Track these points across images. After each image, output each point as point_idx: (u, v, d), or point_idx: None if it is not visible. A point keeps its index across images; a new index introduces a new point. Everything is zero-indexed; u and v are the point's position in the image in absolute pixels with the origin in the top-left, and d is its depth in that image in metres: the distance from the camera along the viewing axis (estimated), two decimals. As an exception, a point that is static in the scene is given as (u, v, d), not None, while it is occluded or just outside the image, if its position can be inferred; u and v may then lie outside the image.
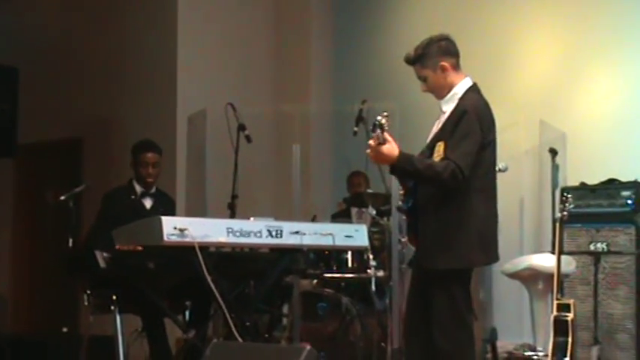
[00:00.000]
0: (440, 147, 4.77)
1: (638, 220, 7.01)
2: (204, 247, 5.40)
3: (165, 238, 5.18)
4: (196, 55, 8.74)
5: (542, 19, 8.26)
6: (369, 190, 7.42)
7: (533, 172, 8.00)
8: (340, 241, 5.96)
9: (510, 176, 6.58)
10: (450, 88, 4.90)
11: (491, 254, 4.87)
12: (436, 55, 4.90)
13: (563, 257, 6.47)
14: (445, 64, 4.89)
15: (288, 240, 5.71)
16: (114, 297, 5.76)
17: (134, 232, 5.49)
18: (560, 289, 6.33)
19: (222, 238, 5.46)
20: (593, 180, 7.35)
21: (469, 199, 4.74)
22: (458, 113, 4.78)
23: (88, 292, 5.96)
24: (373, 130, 4.68)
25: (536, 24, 8.29)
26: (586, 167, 7.61)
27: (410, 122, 7.26)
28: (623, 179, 7.21)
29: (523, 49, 8.37)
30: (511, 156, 7.08)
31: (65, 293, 8.81)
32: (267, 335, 6.79)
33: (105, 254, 5.38)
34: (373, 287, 6.66)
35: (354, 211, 7.77)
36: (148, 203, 6.75)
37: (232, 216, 7.25)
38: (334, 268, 6.95)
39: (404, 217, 5.43)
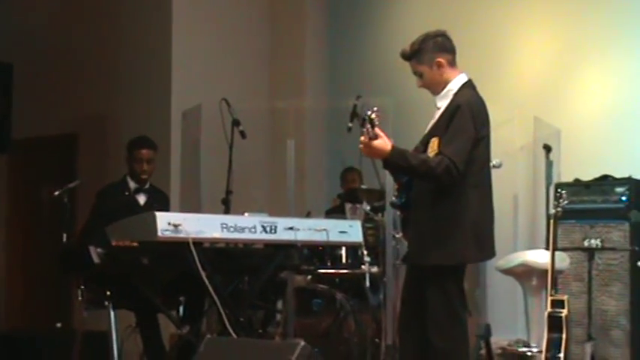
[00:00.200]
0: (434, 143, 4.78)
1: (632, 216, 7.02)
2: (199, 243, 5.39)
3: (159, 233, 5.17)
4: (191, 50, 8.73)
5: (537, 16, 8.26)
6: (363, 186, 7.43)
7: (528, 169, 8.00)
8: (334, 237, 5.96)
9: (504, 172, 6.57)
10: (446, 84, 4.91)
11: (486, 250, 4.87)
12: (432, 51, 4.90)
13: (557, 253, 6.47)
14: (441, 60, 4.89)
15: (282, 236, 5.71)
16: (108, 293, 5.75)
17: (128, 227, 5.48)
18: (554, 286, 6.33)
19: (217, 233, 5.46)
20: (587, 176, 7.36)
21: (464, 195, 4.74)
22: (452, 109, 4.79)
23: (82, 287, 5.94)
24: (363, 125, 4.69)
25: (531, 21, 8.29)
26: (580, 163, 7.61)
27: (405, 118, 7.27)
28: (617, 175, 7.22)
29: (518, 46, 8.37)
30: (505, 152, 7.08)
31: (59, 289, 8.80)
32: (261, 331, 6.78)
33: (99, 250, 5.36)
34: (367, 283, 6.67)
35: (348, 206, 7.77)
36: (141, 199, 6.75)
37: (226, 212, 7.24)
38: (328, 263, 6.96)
39: (398, 213, 5.43)
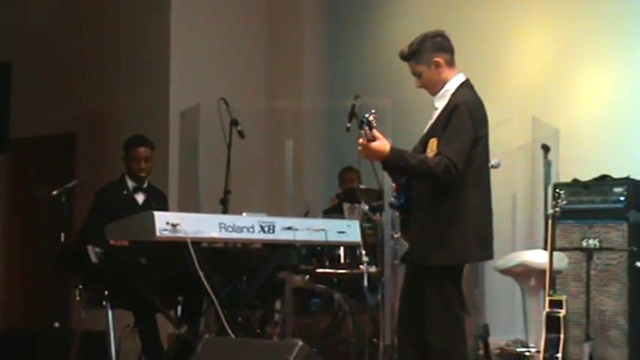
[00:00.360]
0: (433, 143, 4.78)
1: (630, 216, 7.01)
2: (197, 243, 5.40)
3: (157, 233, 5.18)
4: (189, 50, 8.72)
5: (535, 16, 8.26)
6: (362, 186, 7.43)
7: (526, 169, 8.00)
8: (333, 237, 5.97)
9: (503, 172, 6.56)
10: (444, 84, 4.91)
11: (487, 249, 4.88)
12: (430, 51, 4.90)
13: (556, 253, 6.47)
14: (439, 60, 4.89)
15: (280, 235, 5.71)
16: (106, 292, 5.75)
17: (127, 227, 5.48)
18: (553, 286, 6.33)
19: (215, 233, 5.46)
20: (585, 176, 7.35)
21: (464, 195, 4.74)
22: (450, 109, 4.79)
23: (80, 287, 5.94)
24: (361, 128, 4.69)
25: (530, 21, 8.29)
26: (578, 164, 7.61)
27: (403, 118, 7.28)
28: (616, 175, 7.22)
29: (516, 46, 8.37)
30: (504, 152, 7.06)
31: (57, 288, 8.78)
32: (259, 331, 6.78)
33: (97, 249, 5.36)
34: (365, 283, 6.66)
35: (346, 206, 7.77)
36: (140, 198, 6.75)
37: (225, 211, 7.24)
38: (327, 263, 6.95)
39: (397, 214, 5.43)
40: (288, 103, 9.09)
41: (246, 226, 5.58)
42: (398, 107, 7.40)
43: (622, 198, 7.07)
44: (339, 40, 9.56)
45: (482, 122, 4.86)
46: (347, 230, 6.07)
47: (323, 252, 6.95)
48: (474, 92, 4.92)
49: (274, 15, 9.60)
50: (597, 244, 7.04)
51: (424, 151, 4.82)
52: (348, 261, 6.96)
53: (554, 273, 6.39)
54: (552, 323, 6.17)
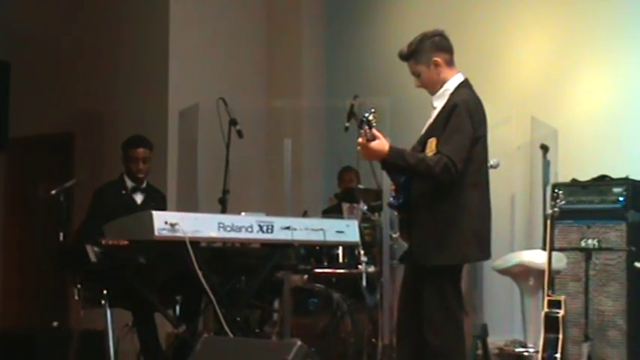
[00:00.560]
0: (432, 143, 4.78)
1: (629, 216, 7.01)
2: (195, 242, 5.40)
3: (156, 232, 5.18)
4: (188, 49, 8.72)
5: (534, 16, 8.26)
6: (360, 186, 7.42)
7: (525, 169, 8.00)
8: (331, 237, 5.97)
9: (502, 172, 6.57)
10: (443, 83, 4.90)
11: (485, 250, 4.87)
12: (430, 50, 4.90)
13: (554, 253, 6.46)
14: (438, 59, 4.89)
15: (279, 235, 5.71)
16: (104, 291, 5.74)
17: (125, 226, 5.48)
18: (551, 286, 6.33)
19: (213, 233, 5.46)
20: (584, 176, 7.35)
21: (463, 195, 4.74)
22: (448, 108, 4.79)
23: (79, 286, 5.93)
24: (360, 127, 4.68)
25: (528, 21, 8.29)
26: (577, 164, 7.61)
27: (402, 118, 7.27)
28: (615, 176, 7.21)
29: (515, 46, 8.37)
30: (503, 152, 7.07)
31: (55, 287, 8.80)
32: (257, 330, 6.78)
33: (96, 249, 5.36)
34: (364, 283, 6.66)
35: (345, 206, 7.77)
36: (138, 198, 6.74)
37: (223, 211, 7.24)
38: (325, 263, 6.96)
39: (395, 213, 5.43)
40: (286, 103, 9.09)
41: (244, 226, 5.58)
42: (397, 107, 7.39)
43: (621, 198, 7.07)
44: (337, 39, 9.56)
45: (481, 122, 4.86)
46: (345, 230, 6.07)
47: (321, 252, 6.95)
48: (473, 92, 4.92)
49: (273, 15, 9.59)
50: (596, 244, 7.04)
51: (423, 150, 4.82)
52: (346, 261, 6.96)
53: (552, 273, 6.39)
54: (551, 323, 6.17)
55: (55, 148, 9.48)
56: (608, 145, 7.63)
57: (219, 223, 5.49)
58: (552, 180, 7.44)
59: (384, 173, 5.38)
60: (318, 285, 6.90)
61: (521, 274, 6.98)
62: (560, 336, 6.12)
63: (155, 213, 5.24)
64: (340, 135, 7.26)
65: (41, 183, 8.83)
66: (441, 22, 5.15)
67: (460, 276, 4.88)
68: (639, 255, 6.84)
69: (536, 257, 6.78)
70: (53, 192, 6.35)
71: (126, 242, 5.42)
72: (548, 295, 6.25)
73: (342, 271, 6.95)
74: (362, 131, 4.67)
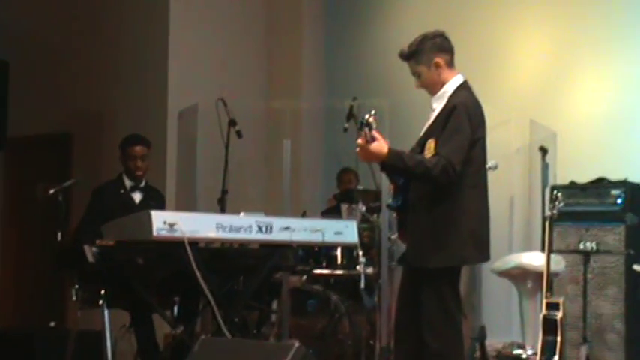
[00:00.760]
0: (431, 144, 4.78)
1: (627, 219, 7.02)
2: (194, 243, 5.39)
3: (154, 232, 5.17)
4: (187, 50, 8.72)
5: (533, 19, 8.27)
6: (360, 187, 7.43)
7: (524, 171, 8.00)
8: (330, 238, 5.97)
9: (500, 175, 6.57)
10: (443, 84, 4.90)
11: (484, 251, 4.87)
12: (430, 51, 4.90)
13: (553, 256, 6.47)
14: (439, 60, 4.89)
15: (277, 236, 5.71)
16: (102, 292, 5.74)
17: (123, 226, 5.48)
18: (550, 288, 6.33)
19: (212, 233, 5.46)
20: (582, 179, 7.36)
21: (462, 197, 4.74)
22: (447, 110, 4.79)
23: (77, 286, 5.93)
24: (360, 129, 4.69)
25: (527, 24, 8.30)
26: (576, 166, 7.61)
27: (401, 119, 7.27)
28: (613, 178, 7.22)
29: (514, 48, 8.38)
30: (501, 155, 7.07)
31: (53, 287, 8.79)
32: (255, 331, 6.78)
33: (94, 249, 5.35)
34: (362, 284, 6.65)
35: (344, 207, 7.77)
36: (137, 198, 6.74)
37: (222, 211, 7.23)
38: (323, 264, 6.95)
39: (394, 215, 5.43)
40: (286, 104, 9.08)
41: (243, 227, 5.58)
42: (396, 108, 7.40)
43: (619, 201, 7.08)
44: (337, 40, 9.56)
45: (479, 124, 4.85)
46: (344, 231, 6.07)
47: (320, 253, 6.95)
48: (472, 94, 4.92)
49: (273, 15, 9.59)
50: (594, 246, 7.04)
51: (422, 152, 4.82)
52: (345, 262, 6.96)
53: (551, 275, 6.39)
54: (549, 326, 6.17)
55: (54, 148, 9.47)
56: (607, 148, 7.63)
57: (217, 224, 5.49)
58: (551, 182, 7.44)
59: (383, 175, 5.38)
60: (316, 286, 6.90)
61: (520, 276, 6.98)
62: (559, 338, 6.12)
63: (154, 213, 5.24)
64: (339, 136, 7.26)
65: (40, 183, 8.79)
66: (440, 24, 5.14)
67: (459, 278, 4.88)
68: (637, 258, 6.85)
69: (535, 259, 6.78)
70: (52, 192, 6.35)
71: (112, 242, 5.41)
72: (546, 298, 6.25)
73: (340, 272, 6.95)
74: (362, 133, 4.67)
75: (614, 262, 7.00)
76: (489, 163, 5.22)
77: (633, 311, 6.94)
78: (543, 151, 7.45)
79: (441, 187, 4.70)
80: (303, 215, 7.49)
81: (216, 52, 8.97)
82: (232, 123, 7.28)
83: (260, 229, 5.63)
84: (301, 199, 8.51)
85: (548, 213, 6.40)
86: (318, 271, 6.93)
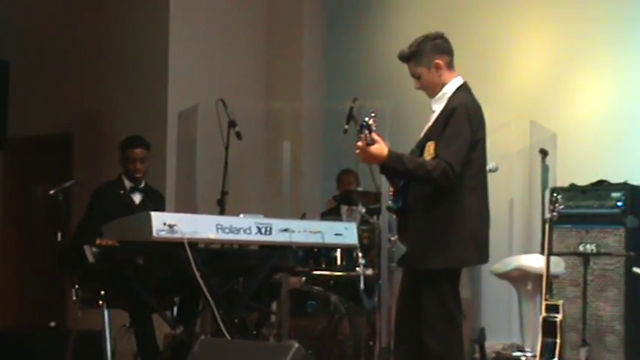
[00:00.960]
0: (430, 147, 4.77)
1: (627, 221, 7.02)
2: (194, 243, 5.39)
3: (154, 233, 5.17)
4: (188, 51, 8.72)
5: (533, 21, 8.27)
6: (359, 189, 7.42)
7: (524, 173, 8.00)
8: (330, 239, 5.97)
9: (500, 176, 6.57)
10: (442, 86, 4.90)
11: (484, 253, 4.87)
12: (431, 52, 4.90)
13: (553, 258, 6.47)
14: (439, 62, 4.89)
15: (277, 237, 5.71)
16: (102, 292, 5.74)
17: (123, 227, 5.48)
18: (549, 290, 6.33)
19: (212, 234, 5.46)
20: (583, 181, 7.36)
21: (462, 198, 4.74)
22: (447, 112, 4.79)
23: (77, 286, 5.94)
24: (360, 131, 4.68)
25: (528, 26, 8.30)
26: (576, 168, 7.62)
27: (401, 121, 7.27)
28: (613, 180, 7.22)
29: (515, 50, 8.37)
30: (502, 156, 7.08)
31: (53, 288, 8.79)
32: (255, 332, 6.77)
33: (94, 249, 5.35)
34: (362, 285, 6.65)
35: (344, 209, 7.77)
36: (137, 198, 6.74)
37: (222, 212, 7.22)
38: (323, 265, 6.95)
39: (394, 217, 5.43)
40: (286, 105, 9.08)
41: (243, 228, 5.58)
42: (396, 110, 7.39)
43: (619, 203, 7.08)
44: (337, 42, 9.56)
45: (479, 125, 4.85)
46: (344, 232, 6.07)
47: (320, 254, 6.94)
48: (472, 95, 4.92)
49: (273, 16, 9.59)
50: (594, 249, 7.05)
51: (421, 154, 4.82)
52: (344, 263, 6.96)
53: (550, 277, 6.40)
54: (549, 328, 6.17)
55: (54, 148, 9.47)
56: (607, 150, 7.63)
57: (217, 225, 5.49)
58: (551, 184, 7.43)
59: (383, 176, 5.38)
60: (316, 287, 6.89)
61: (520, 278, 6.98)
62: (558, 340, 6.13)
63: (154, 214, 5.24)
64: (339, 137, 7.25)
65: (40, 183, 8.84)
66: (441, 26, 5.13)
67: (459, 279, 4.88)
68: (637, 260, 6.85)
69: (535, 261, 6.78)
70: (52, 192, 6.35)
71: (116, 243, 5.42)
72: (546, 300, 6.25)
73: (340, 273, 6.95)
74: (362, 135, 4.67)
75: (614, 265, 7.00)
76: (489, 165, 5.22)
77: (633, 313, 6.94)
78: (543, 153, 7.45)
79: (440, 189, 4.70)
80: (303, 216, 7.49)
81: (217, 53, 8.97)
82: (232, 124, 7.28)
83: (260, 230, 5.63)
84: (301, 200, 8.51)
85: (548, 215, 6.40)
86: (317, 272, 6.92)
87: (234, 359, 4.79)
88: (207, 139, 7.84)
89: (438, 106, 4.90)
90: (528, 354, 6.89)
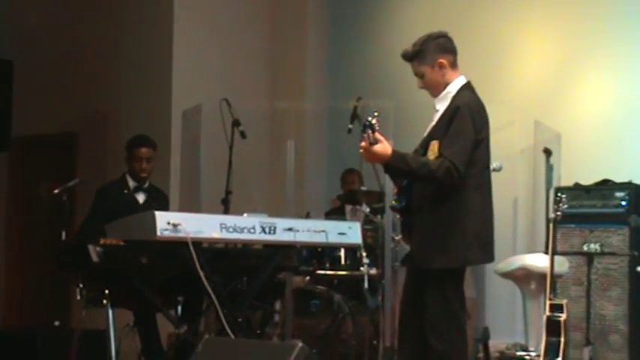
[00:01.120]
0: (434, 146, 4.77)
1: (631, 221, 7.01)
2: (198, 243, 5.39)
3: (158, 233, 5.17)
4: (192, 50, 8.72)
5: (538, 20, 8.26)
6: (363, 188, 7.42)
7: (528, 172, 8.00)
8: (333, 239, 5.96)
9: (505, 176, 6.57)
10: (446, 85, 4.90)
11: (487, 253, 4.86)
12: (434, 51, 4.89)
13: (557, 257, 6.47)
14: (443, 61, 4.88)
15: (281, 236, 5.71)
16: (106, 291, 5.75)
17: (127, 226, 5.48)
18: (553, 290, 6.33)
19: (216, 233, 5.45)
20: (587, 180, 7.35)
21: (465, 198, 4.73)
22: (451, 111, 4.78)
23: (81, 286, 5.94)
24: (364, 131, 4.68)
25: (532, 25, 8.29)
26: (580, 168, 7.61)
27: (405, 120, 7.27)
28: (618, 180, 7.22)
29: (519, 50, 8.37)
30: (506, 156, 7.08)
31: (57, 287, 8.79)
32: (259, 332, 6.78)
33: (98, 248, 5.36)
34: (366, 285, 6.65)
35: (348, 208, 7.77)
36: (140, 198, 6.74)
37: (226, 212, 7.23)
38: (327, 265, 6.95)
39: (398, 216, 5.43)
40: (290, 104, 9.09)
41: (247, 227, 5.57)
42: (400, 109, 7.39)
43: (623, 202, 7.08)
44: (341, 41, 9.56)
45: (483, 124, 4.85)
46: (348, 232, 6.06)
47: (324, 253, 6.95)
48: (475, 94, 4.91)
49: (277, 16, 9.60)
50: (598, 248, 7.04)
51: (425, 153, 4.81)
52: (348, 263, 6.96)
53: (554, 277, 6.39)
54: (553, 327, 6.17)
55: (58, 147, 9.48)
56: (612, 150, 7.63)
57: (221, 224, 5.49)
58: (555, 184, 7.43)
59: (387, 176, 5.38)
60: (319, 287, 6.90)
61: (524, 277, 6.98)
62: (562, 340, 6.13)
63: (158, 213, 5.24)
64: (343, 137, 7.24)
65: (44, 182, 8.84)
66: (445, 25, 5.13)
67: (463, 279, 4.87)
68: (641, 259, 6.86)
69: (539, 261, 6.78)
70: (56, 191, 6.36)
71: (120, 242, 5.42)
72: (549, 299, 6.25)
73: (344, 273, 6.95)
74: (365, 135, 4.67)
75: (618, 264, 7.00)
76: (494, 164, 5.22)
77: (637, 313, 6.94)
78: (548, 152, 7.46)
79: (444, 188, 4.70)
80: (307, 216, 7.49)
81: (220, 53, 8.97)
82: (236, 123, 7.28)
83: (264, 229, 5.63)
84: (305, 199, 8.51)
85: (552, 214, 6.40)
86: (321, 271, 6.93)
87: (238, 358, 4.79)
88: (211, 139, 7.85)
89: (441, 106, 4.90)
90: (532, 353, 6.89)
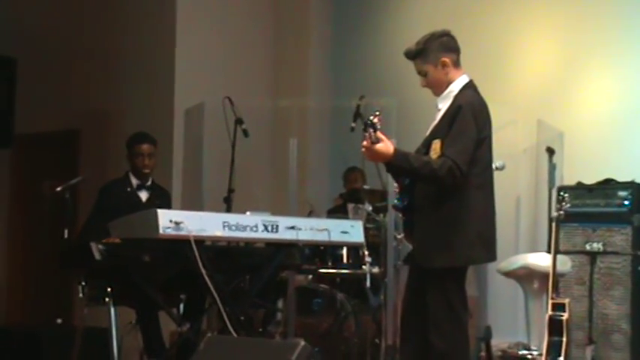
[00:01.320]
0: (436, 145, 4.77)
1: (634, 220, 7.01)
2: (200, 241, 5.39)
3: (161, 231, 5.17)
4: (194, 48, 8.72)
5: (541, 19, 8.25)
6: (366, 186, 7.42)
7: (531, 171, 8.00)
8: (336, 237, 5.95)
9: (507, 175, 6.57)
10: (448, 84, 4.89)
11: (490, 252, 4.86)
12: (437, 50, 4.89)
13: (559, 256, 6.47)
14: (446, 59, 4.88)
15: (283, 235, 5.70)
16: (109, 289, 5.75)
17: (130, 224, 5.48)
18: (556, 289, 6.32)
19: (218, 232, 5.45)
20: (590, 180, 7.34)
21: (467, 197, 4.73)
22: (453, 110, 4.78)
23: (83, 284, 5.95)
24: (365, 130, 4.68)
25: (535, 24, 8.28)
26: (583, 167, 7.60)
27: (407, 118, 7.27)
28: (620, 179, 7.21)
29: (522, 48, 8.36)
30: (508, 155, 7.07)
31: (60, 285, 8.80)
32: (261, 330, 6.79)
33: (100, 246, 5.36)
34: (368, 283, 6.66)
35: (350, 206, 7.76)
36: (143, 196, 6.75)
37: (228, 210, 7.24)
38: (329, 263, 6.95)
39: (400, 215, 5.43)
40: (292, 102, 9.08)
41: (249, 225, 5.57)
42: (402, 108, 7.39)
43: (626, 202, 7.07)
44: (344, 39, 9.55)
45: (485, 123, 4.85)
46: (350, 230, 6.06)
47: (326, 252, 6.95)
48: (478, 93, 4.91)
49: (280, 14, 9.59)
50: (601, 247, 7.04)
51: (427, 152, 4.81)
52: (351, 261, 6.96)
53: (557, 276, 6.39)
54: (555, 326, 6.17)
55: (61, 145, 9.48)
56: (614, 149, 7.62)
57: (224, 222, 5.49)
58: (558, 183, 7.43)
59: (389, 175, 5.38)
60: (322, 285, 6.90)
61: (526, 276, 6.98)
62: (564, 339, 6.12)
63: (160, 211, 5.24)
64: (346, 135, 7.25)
65: (47, 180, 8.83)
66: (448, 24, 5.13)
67: (465, 278, 4.87)
68: (644, 259, 6.85)
69: (541, 260, 6.78)
70: (59, 189, 6.37)
71: (118, 240, 5.42)
72: (552, 298, 6.24)
73: (346, 271, 6.96)
74: (367, 134, 4.67)
75: (621, 263, 7.00)
76: (496, 163, 5.22)
77: (639, 312, 6.93)
78: (550, 151, 7.45)
79: (446, 187, 4.70)
80: (310, 214, 7.50)
81: (223, 51, 8.97)
82: (239, 121, 7.29)
83: (266, 227, 5.63)
84: (307, 198, 8.51)
85: (554, 213, 6.40)
86: (324, 270, 6.93)
87: (240, 357, 4.79)
88: (214, 137, 7.85)
89: (444, 104, 4.90)
90: (534, 352, 6.89)
